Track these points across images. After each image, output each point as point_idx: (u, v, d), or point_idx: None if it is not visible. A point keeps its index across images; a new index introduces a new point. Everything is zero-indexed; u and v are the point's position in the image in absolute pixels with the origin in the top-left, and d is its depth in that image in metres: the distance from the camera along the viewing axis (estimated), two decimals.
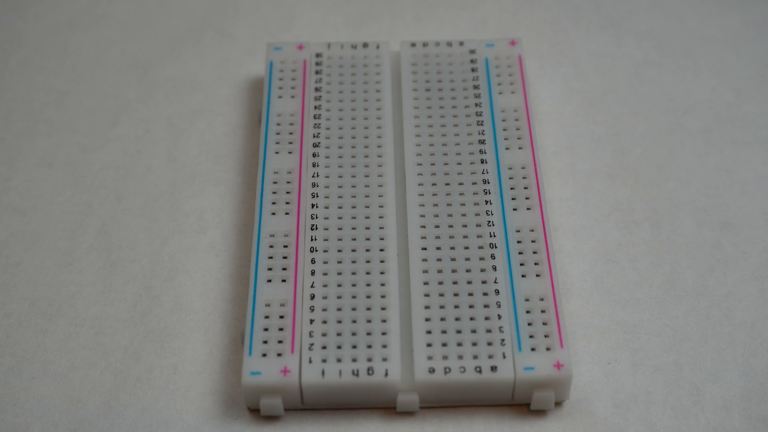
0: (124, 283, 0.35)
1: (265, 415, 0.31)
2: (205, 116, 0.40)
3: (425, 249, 0.33)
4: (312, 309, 0.32)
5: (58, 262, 0.35)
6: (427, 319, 0.32)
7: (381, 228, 0.34)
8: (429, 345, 0.31)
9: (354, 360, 0.31)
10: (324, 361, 0.31)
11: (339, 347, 0.31)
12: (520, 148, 0.36)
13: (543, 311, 0.32)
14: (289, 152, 0.36)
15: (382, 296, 0.32)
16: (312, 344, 0.31)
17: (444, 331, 0.31)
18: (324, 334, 0.31)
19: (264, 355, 0.31)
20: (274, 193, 0.35)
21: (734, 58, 0.41)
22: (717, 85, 0.40)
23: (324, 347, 0.31)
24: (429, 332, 0.31)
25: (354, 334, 0.31)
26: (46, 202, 0.37)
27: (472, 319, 0.32)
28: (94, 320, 0.34)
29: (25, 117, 0.40)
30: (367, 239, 0.33)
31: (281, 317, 0.32)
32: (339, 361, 0.31)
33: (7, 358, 0.33)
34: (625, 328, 0.33)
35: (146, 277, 0.35)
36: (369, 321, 0.32)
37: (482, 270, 0.33)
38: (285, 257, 0.33)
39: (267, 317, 0.32)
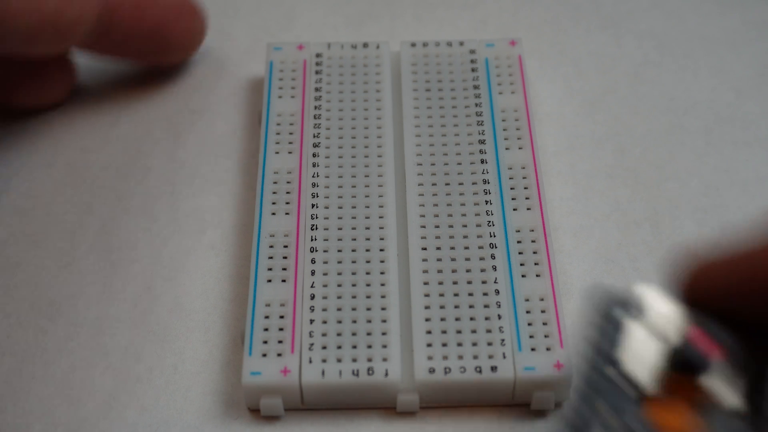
0: (124, 283, 0.35)
1: (265, 416, 0.31)
2: (205, 116, 0.40)
3: (425, 249, 0.33)
4: (312, 309, 0.32)
5: (58, 262, 0.35)
6: (427, 319, 0.32)
7: (381, 228, 0.34)
8: (429, 345, 0.31)
9: (354, 360, 0.31)
10: (324, 361, 0.31)
11: (339, 347, 0.31)
12: (520, 148, 0.36)
13: (543, 311, 0.32)
14: (289, 152, 0.36)
15: (382, 296, 0.32)
16: (312, 344, 0.31)
17: (444, 331, 0.31)
18: (324, 334, 0.31)
19: (264, 355, 0.31)
20: (274, 193, 0.35)
21: (734, 58, 0.41)
22: (717, 85, 0.40)
23: (324, 347, 0.31)
24: (429, 332, 0.31)
25: (354, 334, 0.31)
26: (46, 202, 0.37)
27: (472, 319, 0.32)
28: (94, 320, 0.34)
29: (24, 117, 0.40)
30: (367, 239, 0.33)
31: (281, 317, 0.32)
32: (339, 361, 0.31)
33: (8, 358, 0.33)
34: None
35: (146, 277, 0.35)
36: (369, 321, 0.32)
37: (482, 270, 0.33)
38: (285, 257, 0.33)
39: (267, 317, 0.32)
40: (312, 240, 0.33)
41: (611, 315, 0.25)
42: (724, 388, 0.24)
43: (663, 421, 0.23)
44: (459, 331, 0.31)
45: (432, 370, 0.31)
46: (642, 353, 0.24)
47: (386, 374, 0.30)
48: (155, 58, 0.40)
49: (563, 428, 0.23)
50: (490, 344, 0.31)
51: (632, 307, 0.25)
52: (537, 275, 0.33)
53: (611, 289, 0.26)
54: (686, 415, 0.23)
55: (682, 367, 0.24)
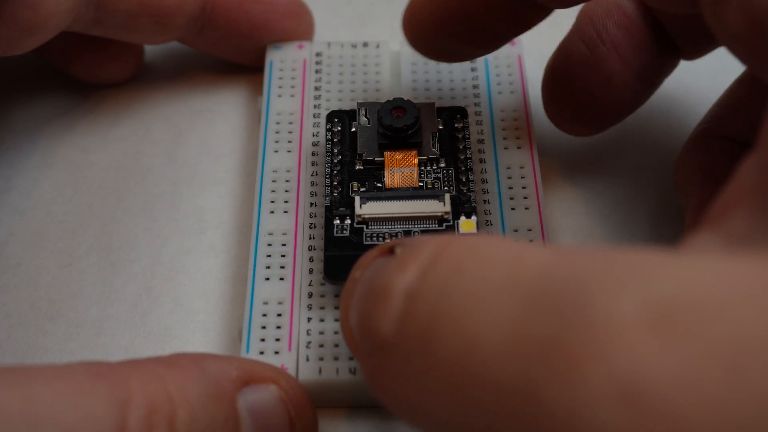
0: (124, 283, 0.35)
1: None
2: (205, 116, 0.40)
3: None
4: (309, 307, 0.32)
5: (59, 262, 0.35)
6: None
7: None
8: None
9: (351, 358, 0.31)
10: (321, 359, 0.31)
11: (336, 345, 0.31)
12: (518, 148, 0.36)
13: None
14: (288, 151, 0.36)
15: None
16: (309, 342, 0.31)
17: None
18: (321, 332, 0.31)
19: (261, 352, 0.31)
20: (272, 191, 0.35)
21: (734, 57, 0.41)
22: (719, 83, 0.40)
23: (321, 345, 0.31)
24: None
25: None
26: (46, 202, 0.37)
27: None
28: (94, 321, 0.34)
29: (25, 118, 0.40)
30: None
31: (279, 315, 0.32)
32: (336, 359, 0.31)
33: (8, 358, 0.33)
34: None
35: (146, 277, 0.35)
36: None
37: None
38: (283, 255, 0.33)
39: (265, 315, 0.32)
40: (310, 238, 0.33)
41: (337, 121, 0.35)
42: (424, 147, 0.34)
43: (394, 183, 0.33)
44: None
45: None
46: (366, 141, 0.34)
47: None
48: (251, 58, 0.40)
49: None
50: None
51: (348, 115, 0.35)
52: None
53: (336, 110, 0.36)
54: (408, 174, 0.33)
55: (394, 138, 0.33)
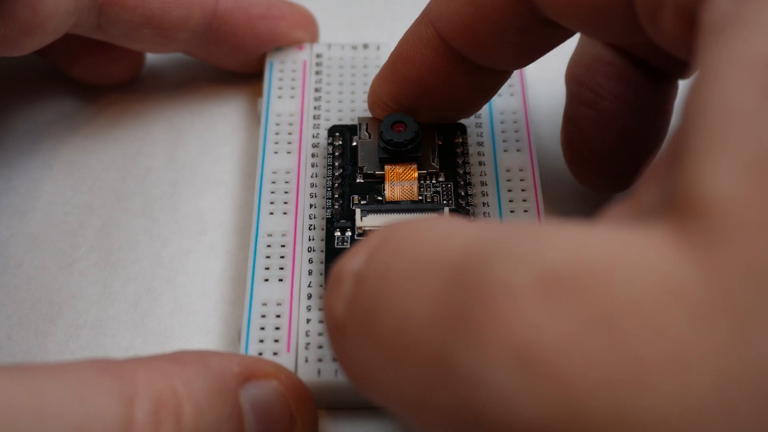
0: (124, 284, 0.35)
1: None
2: (205, 116, 0.40)
3: None
4: (309, 308, 0.32)
5: (59, 263, 0.35)
6: None
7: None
8: None
9: None
10: (320, 360, 0.31)
11: None
12: (518, 150, 0.36)
13: None
14: (288, 152, 0.36)
15: None
16: (308, 343, 0.31)
17: None
18: (320, 334, 0.31)
19: (260, 353, 0.31)
20: (272, 192, 0.35)
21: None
22: None
23: (320, 346, 0.31)
24: None
25: None
26: (47, 202, 0.37)
27: None
28: (94, 321, 0.34)
29: (25, 119, 0.40)
30: None
31: (278, 316, 0.32)
32: (335, 360, 0.31)
33: (8, 359, 0.33)
34: None
35: (146, 278, 0.35)
36: None
37: None
38: (282, 257, 0.33)
39: (263, 316, 0.32)
40: (309, 240, 0.33)
41: (338, 135, 0.35)
42: (424, 161, 0.34)
43: (394, 196, 0.33)
44: None
45: None
46: (367, 155, 0.34)
47: None
48: (253, 67, 0.40)
49: None
50: None
51: (350, 130, 0.35)
52: None
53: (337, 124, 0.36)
54: (408, 187, 0.33)
55: (394, 152, 0.34)
